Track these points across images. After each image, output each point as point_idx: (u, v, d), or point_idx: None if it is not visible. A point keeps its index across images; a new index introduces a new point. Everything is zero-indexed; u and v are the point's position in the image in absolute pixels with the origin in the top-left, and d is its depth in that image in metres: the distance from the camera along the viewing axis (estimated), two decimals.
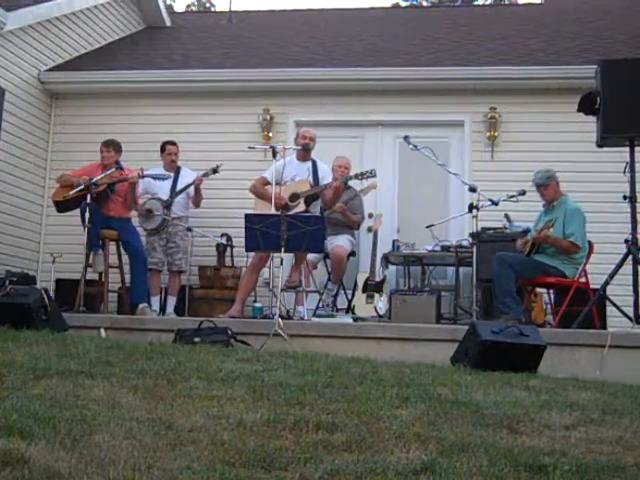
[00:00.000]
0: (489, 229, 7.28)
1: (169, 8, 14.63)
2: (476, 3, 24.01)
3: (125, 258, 7.31)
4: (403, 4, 24.79)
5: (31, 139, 8.77)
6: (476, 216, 6.48)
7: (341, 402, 3.20)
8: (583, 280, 6.43)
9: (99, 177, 6.97)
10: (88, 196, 6.78)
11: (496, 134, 8.37)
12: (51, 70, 9.03)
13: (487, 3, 23.85)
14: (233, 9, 12.61)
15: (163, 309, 7.55)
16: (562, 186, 6.71)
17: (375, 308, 7.25)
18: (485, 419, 3.05)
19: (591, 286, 6.42)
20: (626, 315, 6.01)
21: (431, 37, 10.39)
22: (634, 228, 6.01)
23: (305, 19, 12.29)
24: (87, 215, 6.73)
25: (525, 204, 6.88)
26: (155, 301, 7.42)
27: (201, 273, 8.08)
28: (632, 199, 6.05)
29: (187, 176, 7.70)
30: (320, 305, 7.36)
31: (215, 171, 7.58)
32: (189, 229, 7.60)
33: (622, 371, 5.05)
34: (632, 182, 6.07)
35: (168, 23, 11.72)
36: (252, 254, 6.81)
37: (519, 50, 9.28)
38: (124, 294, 7.31)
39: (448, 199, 8.48)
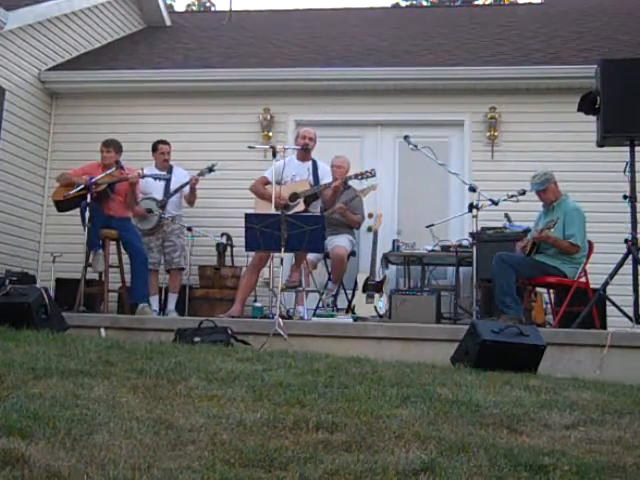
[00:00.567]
0: (489, 229, 7.28)
1: (169, 8, 14.63)
2: (476, 3, 24.00)
3: (125, 258, 7.30)
4: (403, 4, 24.79)
5: (31, 138, 8.77)
6: (476, 216, 6.48)
7: (341, 402, 3.20)
8: (583, 280, 6.43)
9: (99, 177, 6.97)
10: (88, 196, 6.77)
11: (496, 134, 8.38)
12: (51, 70, 9.03)
13: (487, 3, 23.83)
14: (233, 9, 12.60)
15: (163, 308, 7.55)
16: (562, 186, 6.71)
17: (375, 308, 7.26)
18: (485, 419, 3.05)
19: (591, 286, 6.42)
20: (626, 315, 6.01)
21: (431, 37, 10.39)
22: (634, 228, 6.01)
23: (305, 19, 12.29)
24: (87, 215, 6.72)
25: (525, 204, 6.88)
26: (154, 301, 7.42)
27: (201, 273, 8.08)
28: (632, 199, 6.05)
29: (180, 175, 7.72)
30: (320, 305, 7.36)
31: (211, 170, 7.58)
32: (189, 229, 7.61)
33: (622, 371, 5.05)
34: (632, 182, 6.07)
35: (168, 23, 11.72)
36: (252, 254, 6.80)
37: (519, 50, 9.28)
38: (124, 294, 7.31)
39: (448, 199, 8.48)
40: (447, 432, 2.81)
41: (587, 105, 6.25)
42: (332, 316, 6.79)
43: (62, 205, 7.20)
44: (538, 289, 7.14)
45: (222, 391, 3.33)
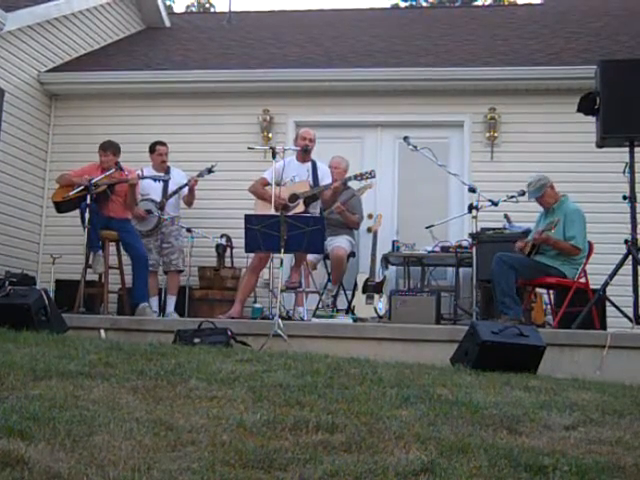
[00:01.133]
0: (489, 229, 7.27)
1: (168, 9, 14.65)
2: (476, 4, 24.00)
3: (125, 259, 7.31)
4: (402, 5, 24.80)
5: (31, 140, 8.77)
6: (476, 217, 6.49)
7: (341, 403, 3.20)
8: (583, 280, 6.43)
9: (99, 178, 6.97)
10: (88, 197, 6.78)
11: (496, 135, 8.37)
12: (50, 71, 9.03)
13: (487, 4, 23.84)
14: (233, 10, 12.60)
15: (163, 309, 7.55)
16: (561, 187, 6.71)
17: (375, 309, 7.25)
18: (485, 420, 3.05)
19: (591, 286, 6.42)
20: (626, 315, 6.01)
21: (430, 38, 10.39)
22: (634, 228, 6.01)
23: (304, 20, 12.29)
24: (87, 216, 6.73)
25: (525, 204, 6.88)
26: (153, 302, 7.42)
27: (201, 274, 8.08)
28: (632, 199, 6.05)
29: (178, 176, 7.73)
30: (320, 306, 7.36)
31: (210, 171, 7.59)
32: (189, 230, 7.61)
33: (622, 372, 5.05)
34: (632, 182, 6.08)
35: (168, 24, 11.72)
36: (252, 255, 6.80)
37: (519, 50, 9.29)
38: (124, 295, 7.31)
39: (448, 200, 8.48)
40: (447, 433, 2.81)
41: (587, 106, 6.25)
42: (332, 317, 6.79)
43: (62, 206, 7.20)
44: (538, 290, 7.13)
45: (222, 392, 3.33)
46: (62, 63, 9.27)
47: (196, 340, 5.29)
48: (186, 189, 7.67)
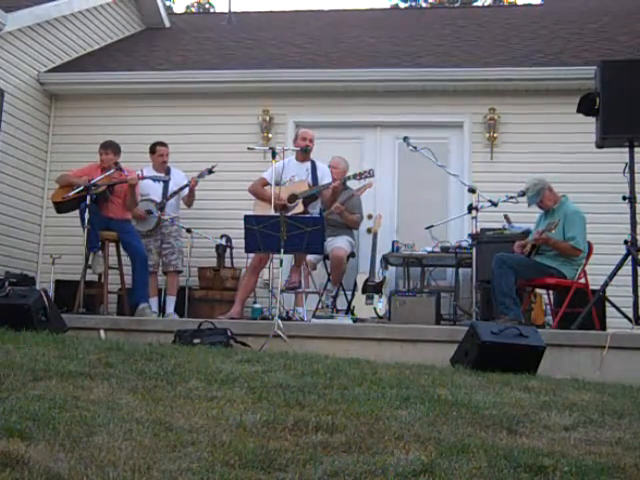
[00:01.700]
0: (488, 230, 7.27)
1: (168, 9, 14.64)
2: (475, 4, 24.01)
3: (125, 259, 7.30)
4: (402, 5, 24.80)
5: (30, 140, 8.77)
6: (475, 217, 6.49)
7: (341, 403, 3.20)
8: (582, 281, 6.43)
9: (98, 178, 6.97)
10: (88, 197, 6.77)
11: (495, 135, 8.37)
12: (50, 71, 9.03)
13: (487, 4, 23.85)
14: (232, 10, 12.61)
15: (163, 310, 7.55)
16: (562, 187, 6.71)
17: (375, 309, 7.25)
18: (485, 420, 3.05)
19: (590, 287, 6.42)
20: (626, 316, 6.01)
21: (430, 38, 10.39)
22: (634, 229, 6.01)
23: (304, 20, 12.29)
24: (87, 216, 6.72)
25: (524, 205, 6.86)
26: (153, 303, 7.42)
27: (201, 274, 8.08)
28: (631, 200, 6.05)
29: (178, 177, 7.73)
30: (320, 306, 7.36)
31: (210, 172, 7.59)
32: (189, 230, 7.61)
33: (622, 372, 5.05)
34: (632, 183, 6.08)
35: (167, 24, 11.72)
36: (252, 255, 6.81)
37: (518, 51, 9.29)
38: (124, 295, 7.31)
39: (447, 200, 8.48)
40: (447, 433, 2.81)
41: (586, 106, 6.25)
42: (332, 317, 6.78)
43: (61, 206, 7.20)
44: (538, 290, 7.13)
45: (222, 392, 3.33)
46: (62, 63, 9.27)
47: (196, 340, 5.29)
48: (186, 190, 7.67)
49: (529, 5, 14.13)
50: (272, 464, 2.33)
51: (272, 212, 6.32)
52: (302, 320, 6.57)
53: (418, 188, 8.56)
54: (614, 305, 6.17)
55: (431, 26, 11.43)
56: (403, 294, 7.07)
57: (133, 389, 3.31)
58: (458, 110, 8.54)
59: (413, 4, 25.16)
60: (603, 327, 6.53)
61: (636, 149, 6.22)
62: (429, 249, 7.68)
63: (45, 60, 9.01)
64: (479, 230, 6.71)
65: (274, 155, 6.57)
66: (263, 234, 5.85)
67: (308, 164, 6.94)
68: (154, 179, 7.38)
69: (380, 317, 7.16)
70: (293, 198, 6.75)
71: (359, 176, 6.90)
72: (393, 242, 7.92)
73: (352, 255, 7.70)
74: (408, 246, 7.81)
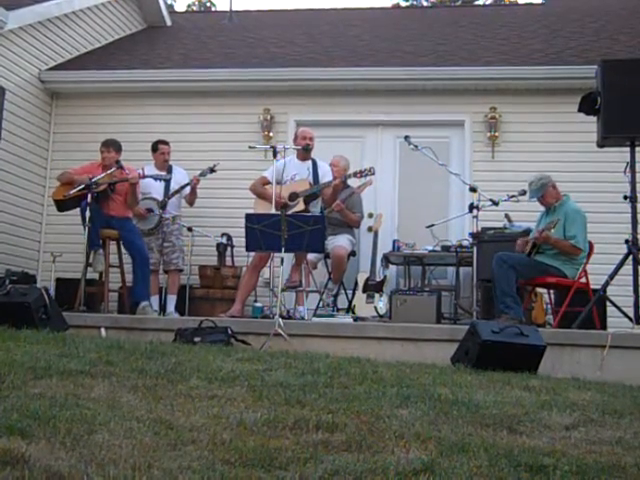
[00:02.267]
0: (489, 229, 7.27)
1: (169, 8, 14.65)
2: (476, 3, 23.99)
3: (125, 257, 7.31)
4: (403, 4, 24.78)
5: (31, 138, 8.77)
6: (476, 216, 6.49)
7: (341, 402, 3.20)
8: (583, 280, 6.42)
9: (99, 176, 6.97)
10: (89, 195, 6.77)
11: (496, 134, 8.37)
12: (51, 69, 9.03)
13: (488, 3, 23.82)
14: (233, 9, 12.59)
15: (163, 308, 7.55)
16: (563, 186, 6.70)
17: (375, 308, 7.25)
18: (485, 419, 3.05)
19: (591, 286, 6.42)
20: (626, 315, 6.01)
21: (431, 37, 10.39)
22: (634, 228, 6.00)
23: (305, 19, 12.29)
24: (87, 214, 6.73)
25: (525, 204, 6.88)
26: (154, 301, 7.42)
27: (201, 273, 8.08)
28: (632, 199, 6.05)
29: (179, 175, 7.74)
30: (320, 305, 7.36)
31: (212, 170, 7.60)
32: (190, 229, 7.61)
33: (622, 372, 5.05)
34: (632, 182, 6.07)
35: (169, 23, 11.73)
36: (252, 254, 6.80)
37: (520, 50, 9.28)
38: (124, 293, 7.31)
39: (448, 199, 8.48)
40: (447, 432, 2.81)
41: (587, 105, 6.25)
42: (332, 316, 6.78)
43: (62, 204, 7.20)
44: (538, 289, 7.13)
45: (222, 391, 3.33)
46: (63, 62, 9.28)
47: (196, 339, 5.29)
48: (188, 188, 7.67)
49: (530, 4, 14.11)
50: (272, 463, 2.33)
51: (273, 211, 6.32)
52: (303, 319, 6.57)
53: (419, 187, 8.56)
54: (615, 304, 6.16)
55: (432, 25, 11.44)
56: (404, 293, 7.07)
57: (134, 387, 3.31)
58: (459, 109, 8.55)
59: (414, 3, 25.15)
60: (604, 327, 6.53)
61: (637, 148, 6.22)
62: (430, 248, 7.68)
63: (46, 58, 9.01)
64: (480, 229, 6.71)
65: (275, 154, 6.57)
66: (264, 233, 5.84)
67: (309, 163, 6.94)
68: (155, 178, 7.37)
69: (381, 316, 7.16)
70: (294, 197, 6.74)
71: (360, 174, 6.90)
72: (394, 241, 7.93)
73: (353, 254, 7.70)
74: (409, 245, 7.81)
